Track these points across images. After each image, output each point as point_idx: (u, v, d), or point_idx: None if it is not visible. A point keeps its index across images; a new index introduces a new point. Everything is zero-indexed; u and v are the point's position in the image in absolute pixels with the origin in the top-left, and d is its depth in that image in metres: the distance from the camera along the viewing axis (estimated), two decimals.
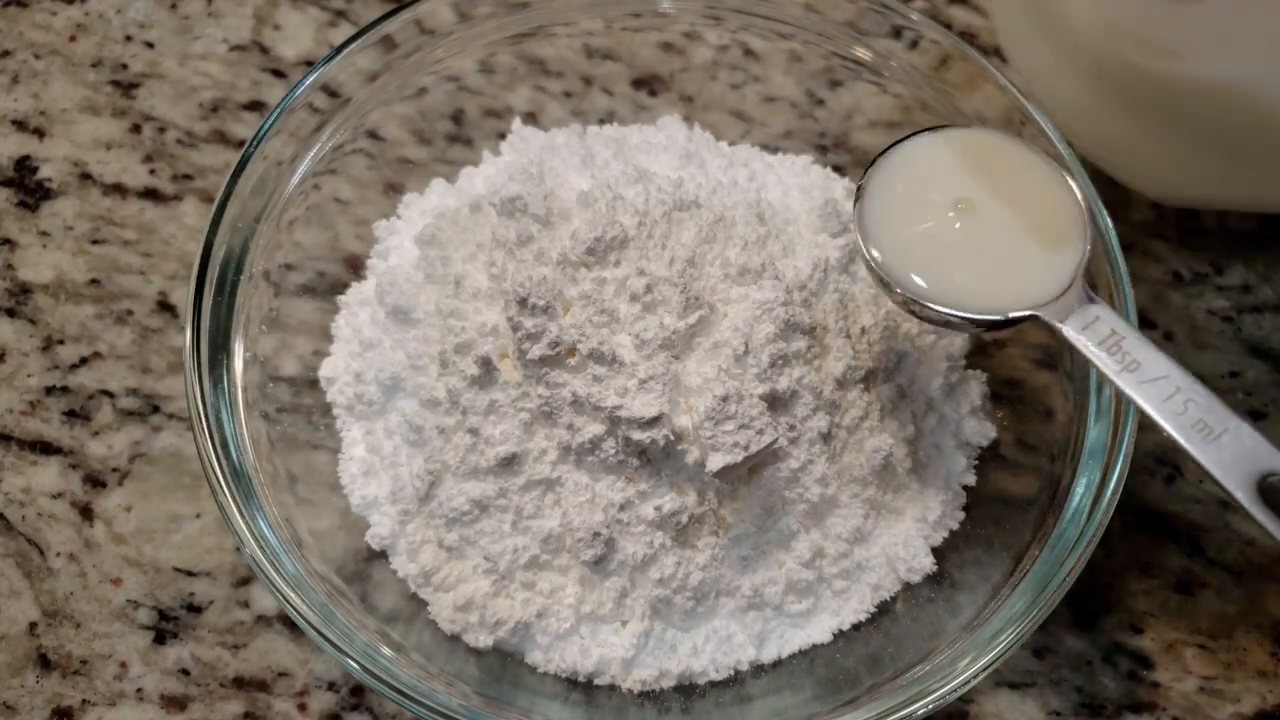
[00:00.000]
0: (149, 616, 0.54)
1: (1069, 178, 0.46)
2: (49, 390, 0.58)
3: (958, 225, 0.45)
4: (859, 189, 0.47)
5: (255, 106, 0.65)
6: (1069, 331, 0.43)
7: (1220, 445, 0.39)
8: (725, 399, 0.46)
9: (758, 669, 0.51)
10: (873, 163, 0.47)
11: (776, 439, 0.47)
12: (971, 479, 0.54)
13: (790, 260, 0.53)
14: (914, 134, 0.47)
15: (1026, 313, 0.43)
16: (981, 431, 0.54)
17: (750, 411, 0.46)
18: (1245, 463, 0.38)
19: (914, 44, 0.56)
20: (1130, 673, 0.54)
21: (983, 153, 0.47)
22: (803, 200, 0.56)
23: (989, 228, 0.45)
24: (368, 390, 0.53)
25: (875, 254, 0.45)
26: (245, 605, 0.54)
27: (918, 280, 0.45)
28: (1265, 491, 0.38)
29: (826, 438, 0.50)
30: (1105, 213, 0.50)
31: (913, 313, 0.46)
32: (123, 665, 0.53)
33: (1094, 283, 0.50)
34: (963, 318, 0.44)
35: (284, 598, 0.45)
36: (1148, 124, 0.52)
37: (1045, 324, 0.43)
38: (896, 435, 0.52)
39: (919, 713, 0.44)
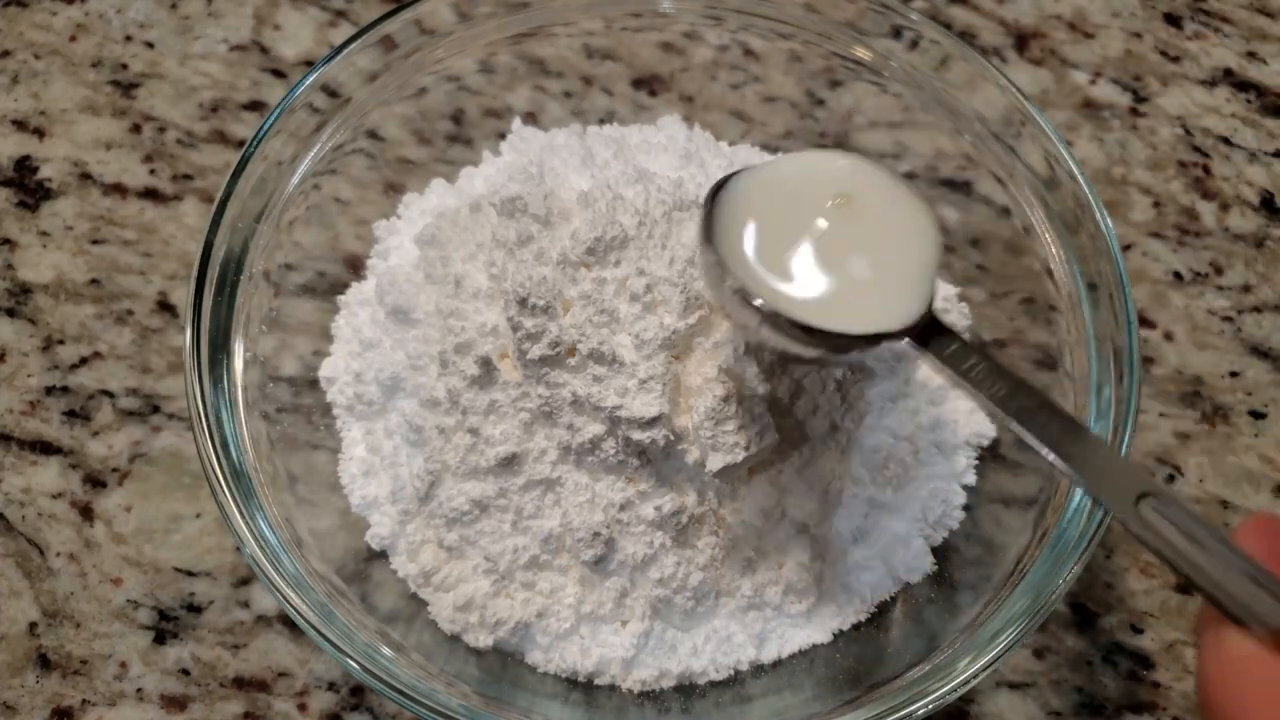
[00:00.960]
0: (149, 616, 0.54)
1: (921, 206, 0.43)
2: (49, 390, 0.58)
3: (816, 248, 0.43)
4: (705, 211, 0.43)
5: (255, 106, 0.65)
6: (933, 358, 0.40)
7: (1097, 473, 0.37)
8: (725, 399, 0.46)
9: (758, 669, 0.51)
10: (719, 184, 0.44)
11: (777, 439, 0.47)
12: (972, 479, 0.54)
13: None
14: (759, 167, 0.45)
15: (881, 332, 0.41)
16: (981, 431, 0.54)
17: (751, 411, 0.46)
18: (1121, 482, 0.36)
19: (914, 44, 0.56)
20: (1130, 673, 0.54)
21: (839, 174, 0.44)
22: None
23: (847, 251, 0.43)
24: (368, 390, 0.53)
25: (733, 271, 0.42)
26: (245, 605, 0.54)
27: (780, 291, 0.42)
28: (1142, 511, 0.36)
29: (826, 438, 0.49)
30: (1105, 213, 0.50)
31: (772, 330, 0.42)
32: (123, 665, 0.53)
33: (1094, 282, 0.50)
34: (830, 333, 0.41)
35: (284, 598, 0.45)
36: None
37: (910, 345, 0.41)
38: (897, 435, 0.52)
39: (919, 713, 0.44)
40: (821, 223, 0.43)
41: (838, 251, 0.43)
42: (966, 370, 0.40)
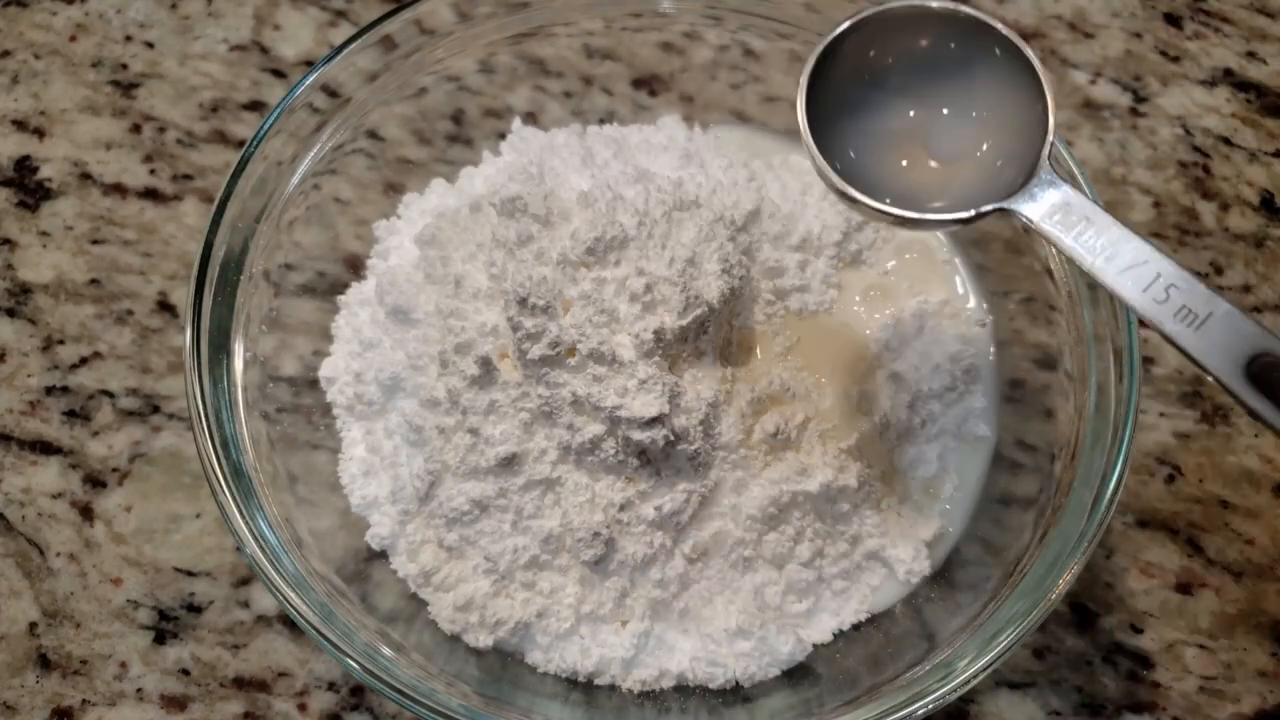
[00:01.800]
0: (149, 616, 0.54)
1: (1032, 58, 0.42)
2: (49, 390, 0.58)
3: (918, 123, 0.43)
4: (805, 86, 0.42)
5: (255, 106, 0.65)
6: (1039, 223, 0.40)
7: (1205, 331, 0.36)
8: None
9: (757, 669, 0.50)
10: (824, 52, 0.43)
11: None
12: (973, 478, 0.54)
13: (798, 256, 0.54)
14: (858, 19, 0.43)
15: (992, 207, 0.40)
16: (982, 435, 0.54)
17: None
18: (1232, 346, 0.36)
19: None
20: (1130, 673, 0.54)
21: (936, 35, 0.43)
22: (804, 196, 0.56)
23: (948, 118, 0.43)
24: (368, 390, 0.53)
25: (831, 161, 0.42)
26: (245, 605, 0.54)
27: (878, 182, 0.42)
28: (1255, 375, 0.35)
29: (825, 437, 0.50)
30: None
31: (873, 218, 0.42)
32: (123, 665, 0.53)
33: (1092, 281, 0.50)
34: (929, 219, 0.41)
35: (284, 598, 0.45)
36: None
37: (1015, 216, 0.40)
38: (899, 434, 0.52)
39: (919, 713, 0.44)
40: (914, 96, 0.43)
41: (933, 126, 0.43)
42: (1071, 235, 0.39)
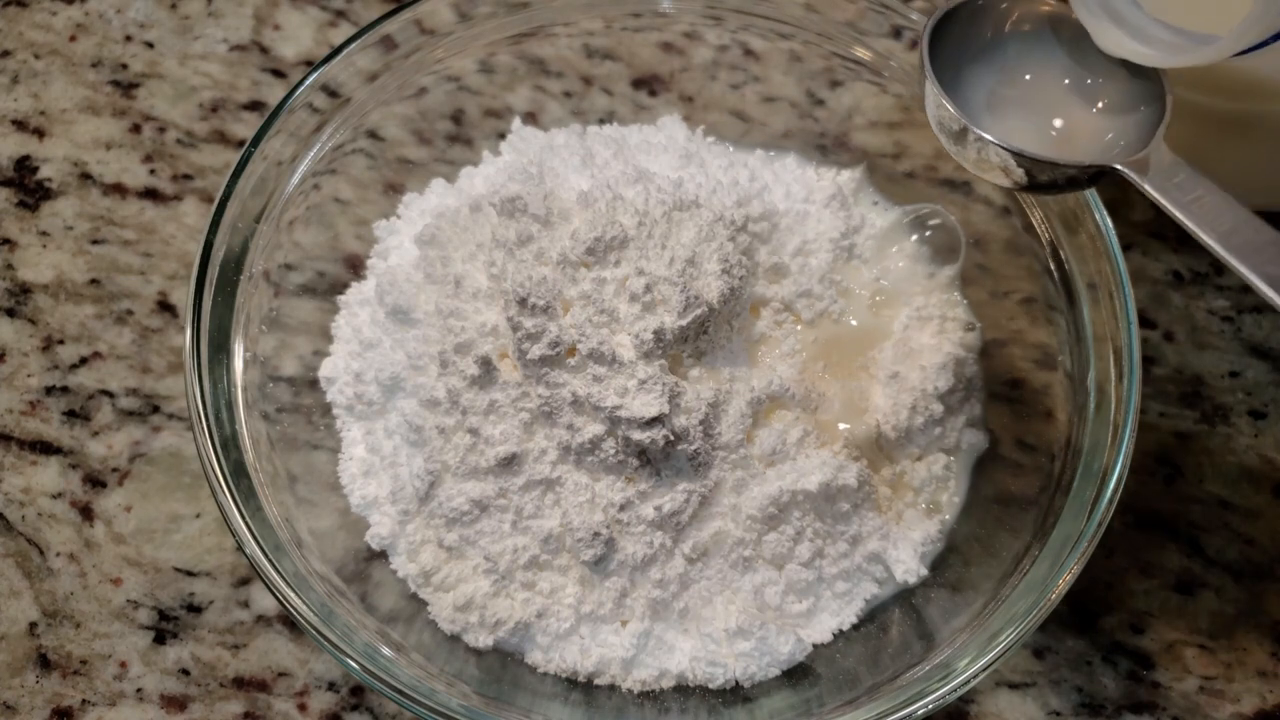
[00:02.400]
0: (149, 616, 0.54)
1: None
2: (49, 390, 0.58)
3: (1033, 88, 0.45)
4: (933, 31, 0.45)
5: (255, 106, 0.65)
6: (1151, 187, 0.41)
7: None
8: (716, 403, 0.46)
9: (757, 669, 0.50)
10: (950, 11, 0.46)
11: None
12: (972, 480, 0.54)
13: (798, 258, 0.54)
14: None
15: (1105, 164, 0.42)
16: (978, 437, 0.54)
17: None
18: None
19: (914, 44, 0.56)
20: (1130, 673, 0.54)
21: (1066, 23, 0.46)
22: (805, 195, 0.56)
23: (1067, 86, 0.45)
24: (368, 390, 0.53)
25: (949, 100, 0.44)
26: (245, 605, 0.54)
27: (987, 128, 0.43)
28: None
29: (825, 437, 0.50)
30: (1105, 213, 0.50)
31: (980, 169, 0.44)
32: (123, 665, 0.53)
33: (1093, 282, 0.50)
34: (1036, 158, 0.43)
35: (284, 598, 0.45)
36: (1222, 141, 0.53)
37: (1126, 178, 0.42)
38: (899, 435, 0.52)
39: (919, 713, 0.44)
40: (1033, 60, 0.45)
41: (1059, 86, 0.45)
42: (1188, 203, 0.40)
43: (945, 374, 0.53)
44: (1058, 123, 0.45)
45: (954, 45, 0.45)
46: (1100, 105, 0.45)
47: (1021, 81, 0.46)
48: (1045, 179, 0.44)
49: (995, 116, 0.45)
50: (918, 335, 0.54)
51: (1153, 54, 0.43)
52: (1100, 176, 0.43)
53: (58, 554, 0.55)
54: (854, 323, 0.55)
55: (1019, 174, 0.44)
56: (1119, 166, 0.42)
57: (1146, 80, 0.44)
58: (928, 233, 0.57)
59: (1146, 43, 0.43)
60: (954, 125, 0.44)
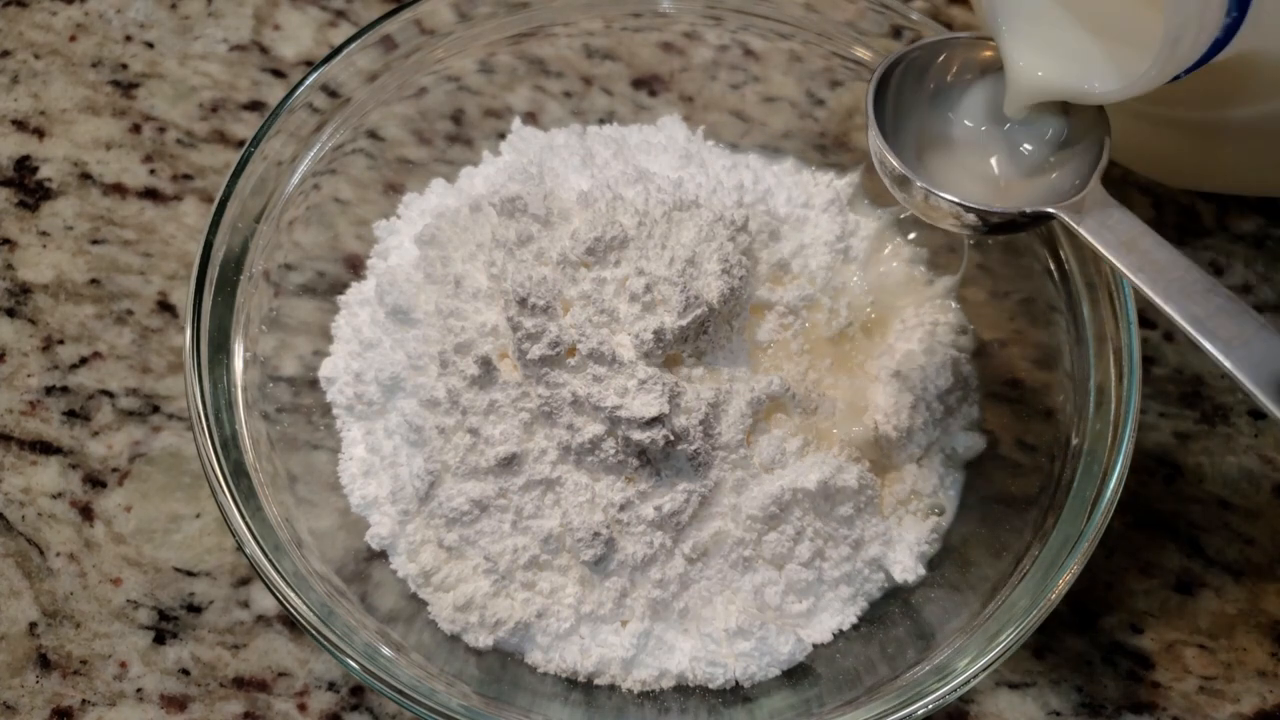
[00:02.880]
0: (149, 616, 0.54)
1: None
2: (49, 390, 0.58)
3: (974, 127, 0.46)
4: (874, 87, 0.46)
5: (255, 106, 0.65)
6: (1085, 230, 0.42)
7: (1245, 347, 0.38)
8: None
9: (757, 669, 0.50)
10: (894, 62, 0.47)
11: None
12: (972, 481, 0.54)
13: (804, 259, 0.54)
14: (929, 41, 0.48)
15: (1046, 210, 0.43)
16: (976, 439, 0.54)
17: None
18: (1270, 363, 0.37)
19: (914, 44, 0.56)
20: (1130, 673, 0.54)
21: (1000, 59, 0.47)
22: (804, 199, 0.56)
23: (1005, 130, 0.46)
24: (368, 390, 0.53)
25: (892, 153, 0.45)
26: (245, 605, 0.54)
27: (932, 180, 0.45)
28: None
29: (825, 438, 0.50)
30: None
31: (928, 213, 0.45)
32: (123, 665, 0.53)
33: (1093, 282, 0.50)
34: (978, 210, 0.44)
35: (284, 598, 0.45)
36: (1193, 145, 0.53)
37: (1062, 222, 0.43)
38: (899, 436, 0.52)
39: (919, 713, 0.44)
40: (974, 106, 0.46)
41: (991, 135, 0.46)
42: (1121, 246, 0.41)
43: (944, 373, 0.53)
44: (999, 168, 0.46)
45: (899, 94, 0.47)
46: (1040, 148, 0.46)
47: (965, 128, 0.46)
48: (993, 223, 0.44)
49: (939, 164, 0.46)
50: (915, 336, 0.54)
51: (1072, 88, 0.44)
52: (1045, 217, 0.43)
53: (58, 554, 0.55)
54: (853, 324, 0.55)
55: (970, 218, 0.44)
56: (1055, 211, 0.43)
57: (1087, 120, 0.45)
58: (924, 233, 0.57)
59: (1063, 80, 0.44)
60: (897, 174, 0.45)
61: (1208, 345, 0.38)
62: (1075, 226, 0.42)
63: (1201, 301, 0.39)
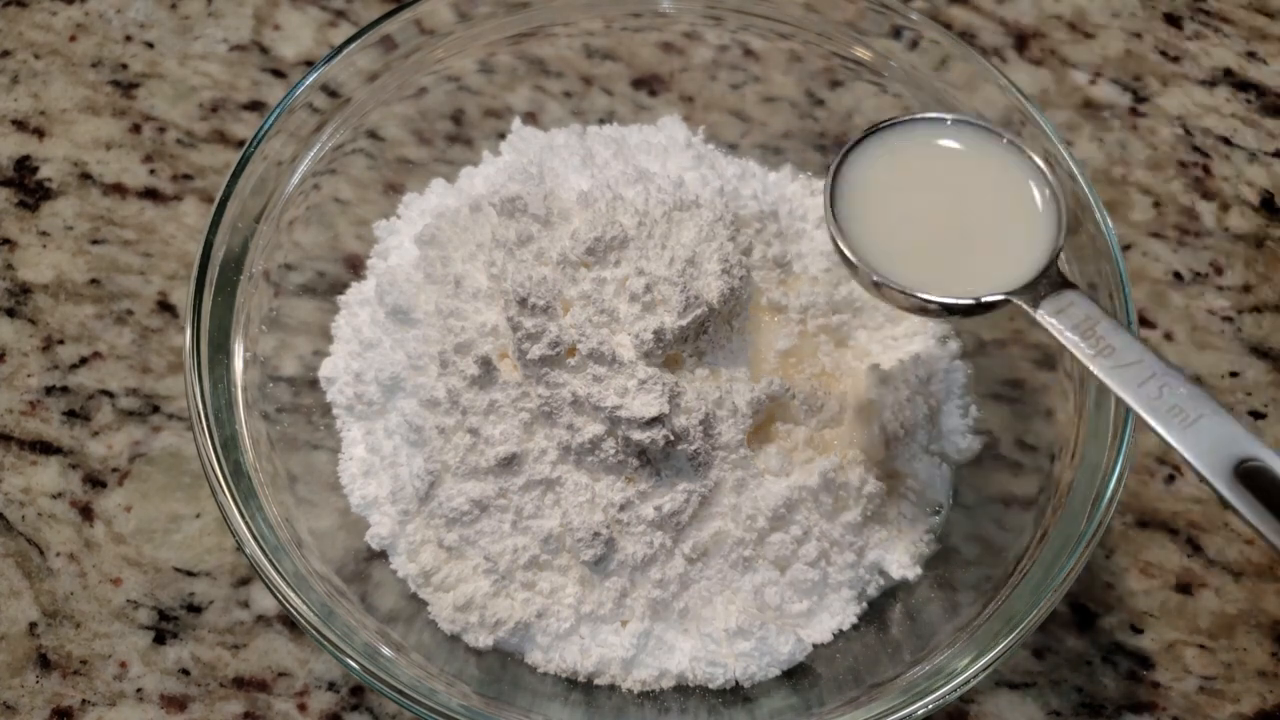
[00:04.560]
0: (149, 616, 0.54)
1: (1044, 166, 0.46)
2: (49, 390, 0.58)
3: (931, 211, 0.46)
4: (831, 175, 0.46)
5: (255, 106, 0.65)
6: (1042, 315, 0.42)
7: (1196, 431, 0.38)
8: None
9: (758, 669, 0.50)
10: (848, 148, 0.47)
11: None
12: (971, 481, 0.54)
13: (805, 264, 0.54)
14: (888, 122, 0.47)
15: (999, 297, 0.43)
16: (971, 443, 0.54)
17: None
18: (1221, 448, 0.37)
19: (914, 44, 0.56)
20: (1130, 673, 0.54)
21: (959, 140, 0.47)
22: (804, 212, 0.57)
23: (963, 214, 0.45)
24: (368, 390, 0.53)
25: (847, 240, 0.45)
26: (245, 605, 0.54)
27: (889, 265, 0.44)
28: (1243, 477, 0.37)
29: (825, 438, 0.50)
30: (1105, 212, 0.50)
31: (884, 297, 0.45)
32: (123, 665, 0.53)
33: (1093, 282, 0.50)
34: (936, 302, 0.44)
35: (284, 598, 0.45)
36: None
37: (1019, 307, 0.43)
38: (898, 434, 0.52)
39: (919, 713, 0.44)
40: (932, 191, 0.46)
41: (948, 219, 0.45)
42: (1074, 329, 0.41)
43: (939, 376, 0.53)
44: (959, 252, 0.45)
45: (858, 182, 0.46)
46: (998, 232, 0.45)
47: (923, 214, 0.46)
48: (949, 308, 0.44)
49: (894, 246, 0.45)
50: (911, 339, 0.55)
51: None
52: (1003, 303, 0.43)
53: (58, 554, 0.55)
54: (854, 324, 0.55)
55: (933, 306, 0.44)
56: (1011, 298, 0.43)
57: (1045, 204, 0.45)
58: None
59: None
60: (852, 263, 0.44)
61: (1162, 431, 0.38)
62: (1032, 313, 0.42)
63: (1154, 386, 0.39)
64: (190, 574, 0.55)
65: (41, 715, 0.52)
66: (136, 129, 0.65)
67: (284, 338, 0.54)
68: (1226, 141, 0.67)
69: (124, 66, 0.66)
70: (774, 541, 0.49)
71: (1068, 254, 0.51)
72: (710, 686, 0.50)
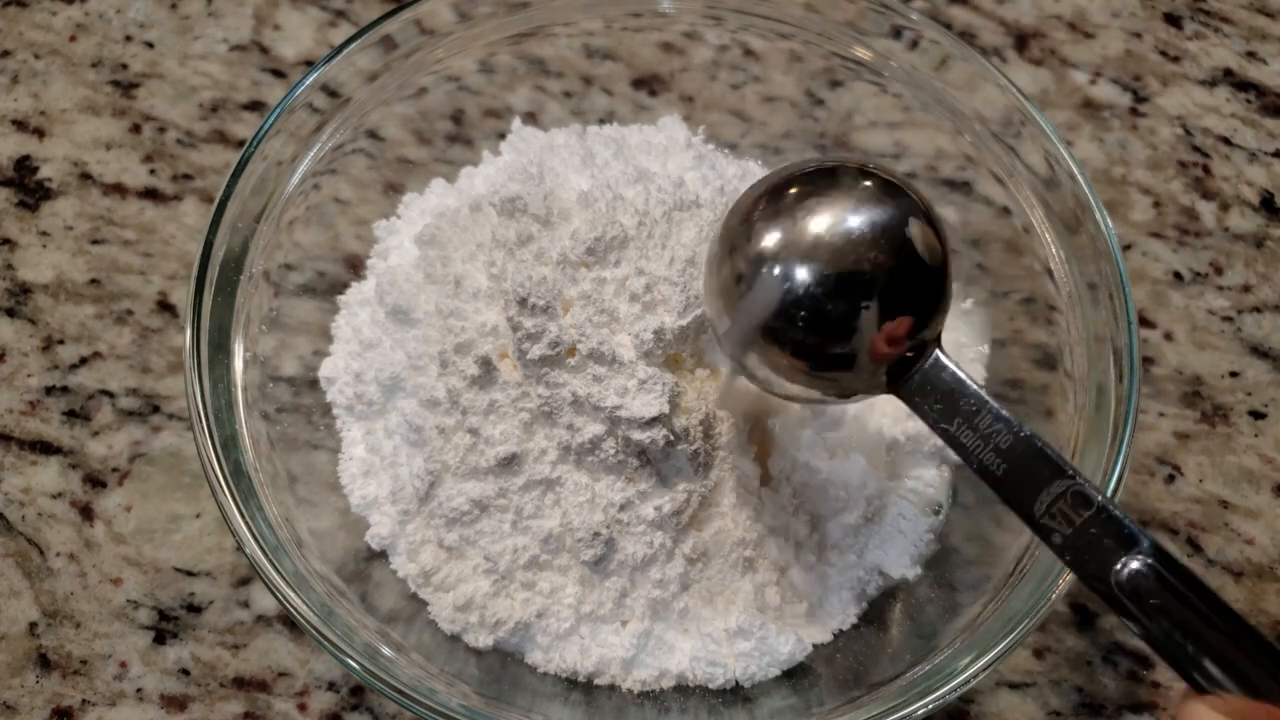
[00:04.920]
0: (149, 616, 0.54)
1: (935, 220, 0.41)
2: (49, 390, 0.58)
3: (825, 301, 0.40)
4: (707, 262, 0.43)
5: (255, 106, 0.65)
6: (916, 411, 0.40)
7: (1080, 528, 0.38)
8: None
9: (758, 669, 0.51)
10: (719, 235, 0.43)
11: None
12: (970, 482, 0.54)
13: None
14: (753, 197, 0.43)
15: (876, 394, 0.41)
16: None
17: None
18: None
19: (914, 44, 0.56)
20: (1130, 673, 0.54)
21: (833, 209, 0.41)
22: None
23: (850, 299, 0.40)
24: (368, 390, 0.53)
25: (719, 335, 0.43)
26: (245, 605, 0.54)
27: (780, 348, 0.41)
28: (1122, 583, 0.37)
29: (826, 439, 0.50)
30: (1105, 213, 0.50)
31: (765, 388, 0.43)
32: (123, 665, 0.53)
33: (1093, 282, 0.50)
34: (816, 399, 0.42)
35: (284, 598, 0.45)
36: None
37: (902, 399, 0.41)
38: (898, 434, 0.52)
39: (919, 713, 0.44)
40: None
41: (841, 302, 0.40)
42: (955, 422, 0.39)
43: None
44: (841, 341, 0.40)
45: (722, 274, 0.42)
46: (879, 319, 0.40)
47: (809, 292, 0.40)
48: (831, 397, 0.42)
49: (781, 335, 0.41)
50: None
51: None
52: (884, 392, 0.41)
53: (58, 554, 0.55)
54: None
55: (812, 394, 0.42)
56: (890, 394, 0.40)
57: (929, 280, 0.40)
58: None
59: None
60: (736, 359, 0.42)
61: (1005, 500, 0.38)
62: (909, 406, 0.40)
63: (1006, 453, 0.39)
64: (190, 574, 0.55)
65: (41, 715, 0.52)
66: (136, 129, 0.65)
67: (284, 338, 0.54)
68: (1226, 141, 0.67)
69: (124, 66, 0.66)
70: (774, 542, 0.49)
71: (1069, 255, 0.51)
72: (710, 686, 0.50)
